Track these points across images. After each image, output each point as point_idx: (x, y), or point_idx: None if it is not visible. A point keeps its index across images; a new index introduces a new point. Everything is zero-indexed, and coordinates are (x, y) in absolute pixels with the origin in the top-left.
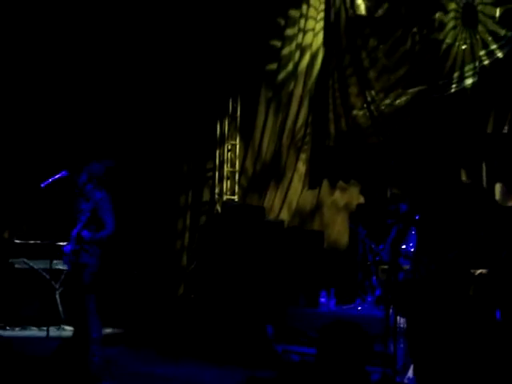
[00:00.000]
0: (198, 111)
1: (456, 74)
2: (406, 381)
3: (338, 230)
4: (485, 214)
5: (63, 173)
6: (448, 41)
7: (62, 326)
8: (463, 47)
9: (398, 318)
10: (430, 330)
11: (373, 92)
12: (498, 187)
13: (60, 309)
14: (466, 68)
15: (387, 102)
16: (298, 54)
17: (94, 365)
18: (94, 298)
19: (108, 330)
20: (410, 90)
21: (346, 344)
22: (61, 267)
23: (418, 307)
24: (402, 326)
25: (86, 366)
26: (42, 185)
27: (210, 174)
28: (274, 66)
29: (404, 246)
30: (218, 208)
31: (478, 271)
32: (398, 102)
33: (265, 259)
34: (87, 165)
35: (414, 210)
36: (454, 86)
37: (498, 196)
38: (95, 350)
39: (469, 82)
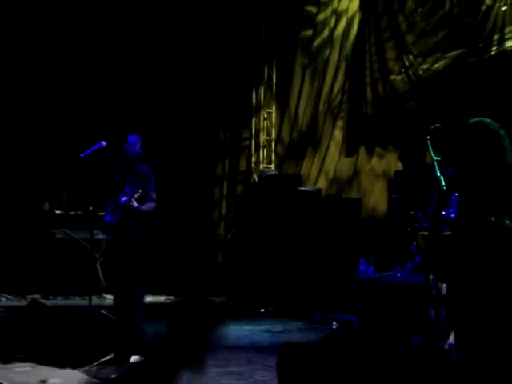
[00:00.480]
0: (234, 78)
1: (496, 37)
2: (446, 347)
3: (377, 197)
4: None
5: (101, 143)
6: (488, 2)
7: (104, 295)
8: (503, 8)
9: (439, 284)
10: (470, 296)
11: (411, 56)
12: None
13: (101, 278)
14: (507, 30)
15: (425, 66)
16: (333, 20)
17: (138, 332)
18: (136, 265)
19: (149, 299)
20: (449, 54)
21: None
22: (101, 237)
23: (458, 273)
24: (442, 292)
25: (130, 333)
26: (82, 155)
27: (247, 142)
28: (309, 33)
29: (444, 212)
30: (255, 177)
31: None
32: (436, 66)
33: (302, 228)
34: (132, 138)
35: (458, 175)
36: (494, 48)
37: None
38: (138, 318)
39: (509, 44)
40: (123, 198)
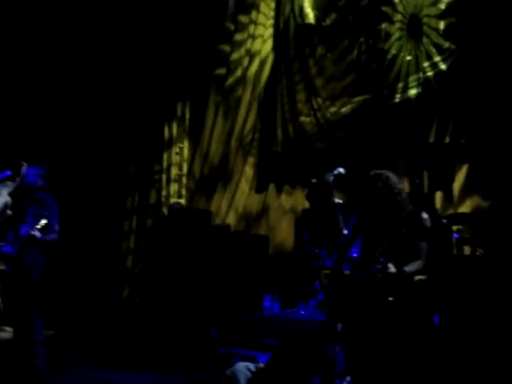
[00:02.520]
0: (147, 113)
1: (400, 85)
2: None
3: (284, 234)
4: (422, 222)
5: (6, 172)
6: (393, 51)
7: (3, 327)
8: (408, 58)
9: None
10: (364, 336)
11: (319, 99)
12: (438, 195)
13: (0, 309)
14: (410, 79)
15: (333, 109)
16: (247, 60)
17: (36, 367)
18: (37, 299)
19: (50, 333)
20: (356, 99)
21: (301, 355)
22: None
23: (352, 312)
24: (341, 329)
25: (28, 369)
26: None
27: (158, 176)
28: (223, 71)
29: (348, 252)
30: (165, 211)
31: (417, 277)
32: (343, 110)
33: (210, 263)
34: (35, 167)
35: (361, 219)
36: (398, 96)
37: (438, 204)
38: (38, 352)
39: (413, 92)
40: (26, 229)
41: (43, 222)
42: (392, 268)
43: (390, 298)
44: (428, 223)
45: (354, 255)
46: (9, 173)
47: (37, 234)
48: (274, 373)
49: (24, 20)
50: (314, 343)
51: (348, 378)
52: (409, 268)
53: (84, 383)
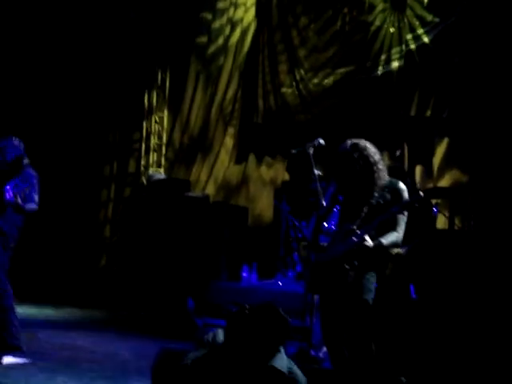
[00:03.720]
0: (126, 81)
1: (383, 57)
2: (320, 355)
3: (263, 205)
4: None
5: None
6: (377, 23)
7: None
8: (391, 30)
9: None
10: (340, 308)
11: (302, 70)
12: (418, 169)
13: None
14: (393, 51)
15: (316, 81)
16: (228, 28)
17: (11, 335)
18: (5, 266)
19: (27, 302)
20: (339, 70)
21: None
22: None
23: (328, 284)
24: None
25: (3, 337)
26: None
27: (137, 145)
28: (204, 39)
29: (326, 225)
30: (144, 180)
31: (396, 250)
32: (326, 81)
33: (189, 233)
34: (12, 139)
35: (338, 190)
36: (380, 68)
37: (418, 177)
38: (12, 319)
39: (395, 65)
40: (7, 194)
41: (24, 189)
42: (369, 241)
43: (368, 274)
44: (405, 194)
45: (332, 227)
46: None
47: (18, 200)
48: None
49: None
50: (273, 313)
51: (324, 349)
52: (386, 240)
53: (59, 350)
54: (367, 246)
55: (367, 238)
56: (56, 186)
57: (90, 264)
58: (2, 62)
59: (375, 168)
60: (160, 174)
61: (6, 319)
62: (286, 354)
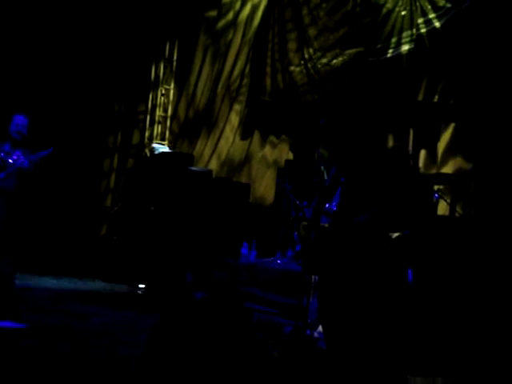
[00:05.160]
0: (134, 52)
1: (393, 40)
2: (316, 334)
3: (266, 184)
4: (402, 179)
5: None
6: (388, 6)
7: None
8: (403, 13)
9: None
10: (339, 289)
11: (311, 50)
12: (422, 154)
13: None
14: (404, 34)
15: (324, 61)
16: (239, 3)
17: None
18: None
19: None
20: (348, 51)
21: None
22: None
23: (329, 265)
24: (315, 281)
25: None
26: None
27: (142, 117)
28: (213, 13)
29: (327, 205)
30: (147, 152)
31: (395, 234)
32: (334, 61)
33: (190, 207)
34: (25, 120)
35: (340, 172)
36: (390, 50)
37: (421, 162)
38: (10, 282)
39: (405, 48)
40: (17, 158)
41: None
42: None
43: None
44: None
45: (334, 208)
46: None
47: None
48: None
49: None
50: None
51: (319, 329)
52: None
53: (55, 316)
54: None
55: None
56: (59, 154)
57: (90, 233)
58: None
59: (374, 149)
60: (164, 146)
61: (6, 285)
62: (282, 332)
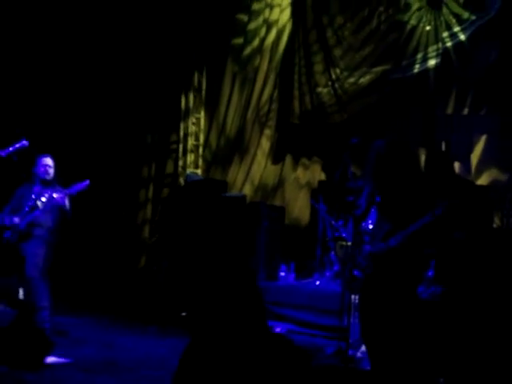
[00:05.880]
0: (164, 83)
1: (419, 55)
2: (359, 354)
3: (300, 206)
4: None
5: (23, 142)
6: (413, 22)
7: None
8: (427, 28)
9: (353, 293)
10: (381, 308)
11: (337, 70)
12: (456, 167)
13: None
14: (430, 49)
15: (351, 80)
16: (264, 29)
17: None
18: (42, 265)
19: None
20: (374, 69)
21: None
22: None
23: (370, 284)
24: (357, 301)
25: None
26: (2, 153)
27: (174, 146)
28: (240, 41)
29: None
30: (181, 181)
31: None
32: (362, 80)
33: (226, 233)
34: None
35: (375, 191)
36: (416, 66)
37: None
38: (45, 317)
39: (431, 62)
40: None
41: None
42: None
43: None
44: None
45: (370, 226)
46: (26, 142)
47: (64, 201)
48: None
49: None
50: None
51: (362, 348)
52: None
53: (99, 349)
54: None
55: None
56: (96, 187)
57: (129, 264)
58: (45, 66)
59: (407, 166)
60: (197, 174)
61: (41, 317)
62: (325, 354)
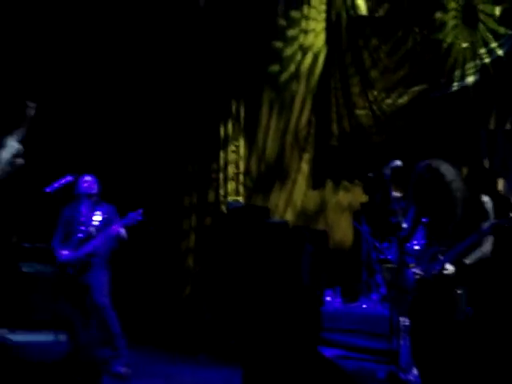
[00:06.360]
0: (202, 113)
1: (457, 73)
2: (411, 378)
3: (343, 229)
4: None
5: (69, 178)
6: (449, 40)
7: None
8: (464, 45)
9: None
10: (433, 330)
11: (375, 91)
12: (500, 183)
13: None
14: (467, 66)
15: (389, 101)
16: (300, 55)
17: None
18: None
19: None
20: (412, 89)
21: None
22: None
23: (421, 306)
24: (405, 323)
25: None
26: (48, 189)
27: (215, 175)
28: (276, 68)
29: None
30: (224, 209)
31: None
32: (399, 101)
33: (270, 259)
34: (92, 178)
35: (420, 212)
36: (455, 84)
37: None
38: (123, 343)
39: (470, 79)
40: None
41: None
42: (450, 268)
43: (459, 291)
44: (489, 206)
45: (415, 247)
46: (71, 178)
47: (123, 231)
48: None
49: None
50: None
51: (414, 372)
52: (470, 259)
53: (151, 378)
54: (447, 275)
55: (448, 266)
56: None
57: (174, 294)
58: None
59: (452, 186)
60: (239, 202)
61: (120, 343)
62: (376, 378)
